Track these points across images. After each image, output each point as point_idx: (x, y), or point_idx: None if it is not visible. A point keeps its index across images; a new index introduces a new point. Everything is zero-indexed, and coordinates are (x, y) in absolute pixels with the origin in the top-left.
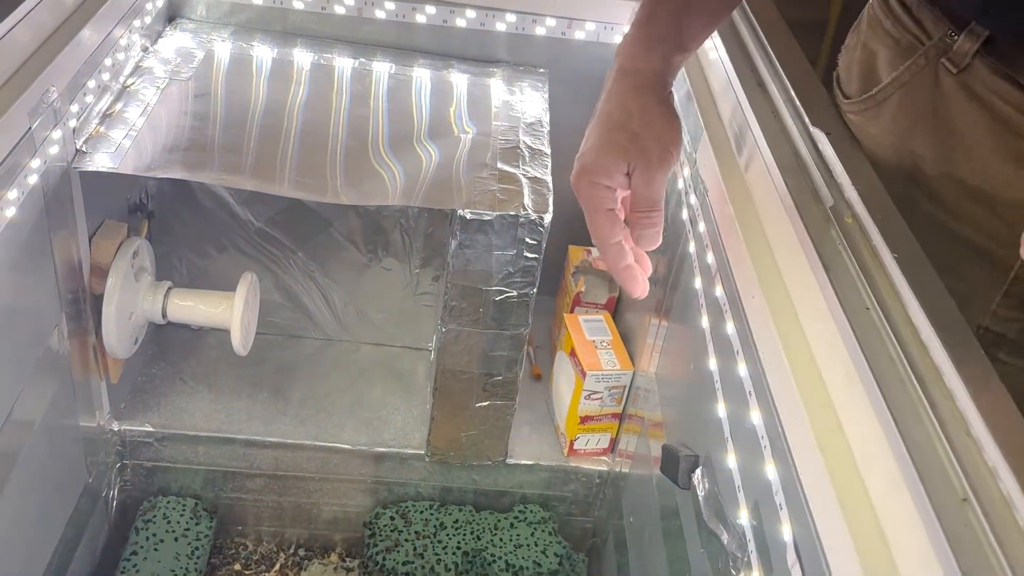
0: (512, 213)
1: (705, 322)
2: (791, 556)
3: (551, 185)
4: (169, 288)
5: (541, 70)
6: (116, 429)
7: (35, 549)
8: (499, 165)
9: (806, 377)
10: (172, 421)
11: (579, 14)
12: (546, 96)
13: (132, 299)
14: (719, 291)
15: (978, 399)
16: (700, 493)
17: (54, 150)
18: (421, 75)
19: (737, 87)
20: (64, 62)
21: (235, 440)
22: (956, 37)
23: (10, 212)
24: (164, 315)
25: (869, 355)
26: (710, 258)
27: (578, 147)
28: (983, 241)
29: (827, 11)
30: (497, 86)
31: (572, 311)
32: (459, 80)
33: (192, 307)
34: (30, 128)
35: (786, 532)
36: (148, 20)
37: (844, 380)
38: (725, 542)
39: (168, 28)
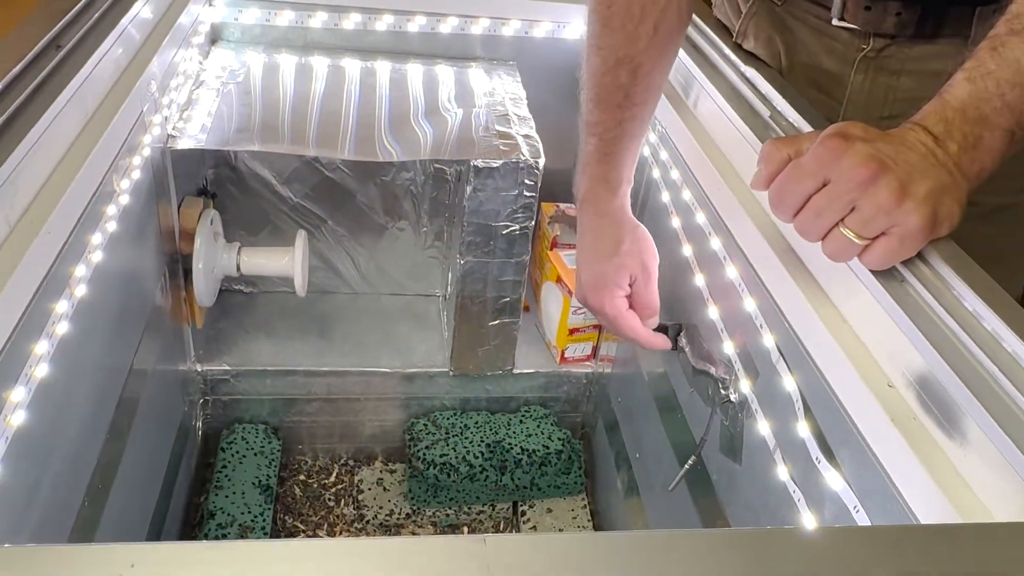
0: (514, 160)
1: (676, 222)
2: (775, 355)
3: (539, 140)
4: (240, 247)
5: (511, 62)
6: (200, 370)
7: (152, 473)
8: (496, 127)
9: (771, 231)
10: (243, 360)
11: (538, 16)
12: (518, 80)
13: (213, 256)
14: (686, 195)
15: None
16: (687, 348)
17: (157, 131)
18: (415, 71)
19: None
20: (154, 65)
21: (295, 372)
22: None
23: (129, 184)
24: (238, 269)
25: None
26: (675, 175)
27: (544, 121)
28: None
29: None
30: (477, 75)
31: (551, 249)
32: (446, 73)
33: (260, 262)
34: (141, 112)
35: (768, 340)
36: (200, 41)
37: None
38: (714, 372)
39: (213, 48)
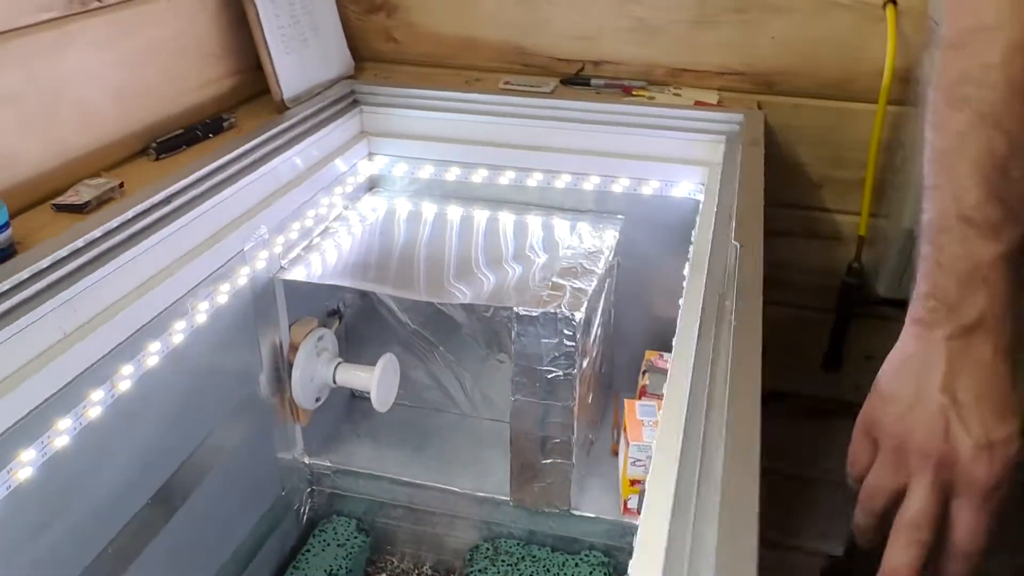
0: (552, 311)
1: None
2: None
3: (589, 293)
4: (339, 363)
5: (619, 216)
6: (307, 462)
7: (232, 533)
8: (554, 279)
9: None
10: (344, 460)
11: (646, 175)
12: (616, 235)
13: (313, 368)
14: None
15: None
16: None
17: (261, 264)
18: (528, 220)
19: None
20: (277, 210)
21: (383, 477)
22: None
23: (223, 300)
24: (334, 380)
25: None
26: None
27: (647, 272)
28: None
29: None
30: (583, 227)
31: (639, 399)
32: (548, 223)
33: (348, 377)
34: (242, 249)
35: None
36: (350, 189)
37: None
38: None
39: (367, 194)
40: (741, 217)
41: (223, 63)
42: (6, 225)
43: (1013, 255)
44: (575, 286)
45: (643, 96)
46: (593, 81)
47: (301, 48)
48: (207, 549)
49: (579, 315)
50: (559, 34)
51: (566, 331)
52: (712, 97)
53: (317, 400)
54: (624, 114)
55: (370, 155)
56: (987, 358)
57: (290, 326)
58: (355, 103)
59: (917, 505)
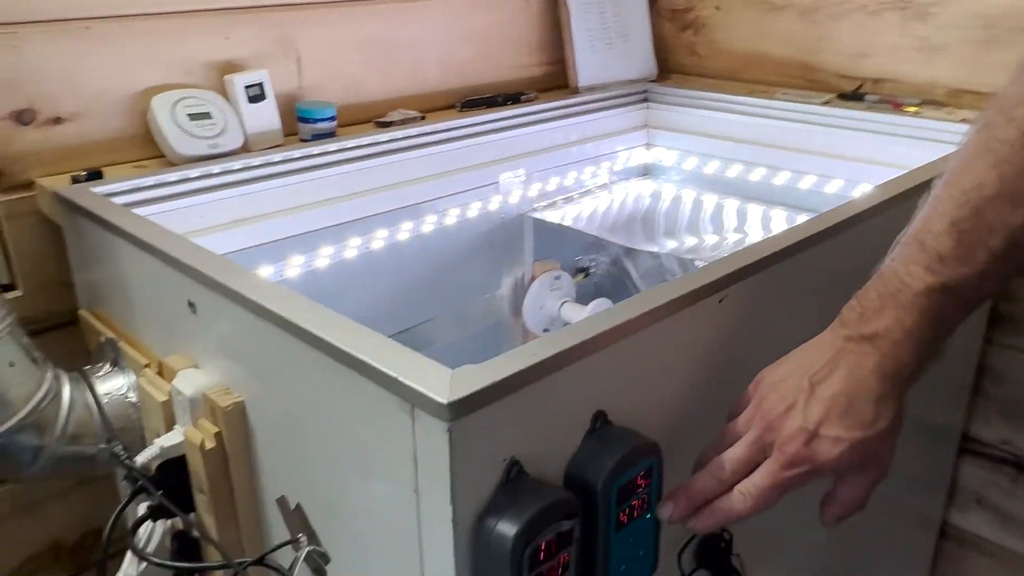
0: None
1: None
2: None
3: None
4: (566, 301)
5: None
6: None
7: None
8: None
9: None
10: None
11: None
12: None
13: (544, 298)
14: None
15: None
16: None
17: (514, 200)
18: (772, 214)
19: None
20: (540, 163)
21: None
22: None
23: (472, 215)
24: (559, 313)
25: None
26: None
27: None
28: None
29: None
30: None
31: None
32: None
33: (569, 311)
34: (498, 181)
35: None
36: (619, 167)
37: None
38: None
39: (636, 178)
40: None
41: (536, 54)
42: (333, 118)
43: (958, 294)
44: None
45: (911, 111)
46: (867, 97)
47: (605, 49)
48: None
49: None
50: (842, 51)
51: None
52: None
53: (545, 330)
54: (895, 124)
55: (648, 145)
56: (863, 370)
57: (534, 262)
58: (644, 100)
59: (735, 452)
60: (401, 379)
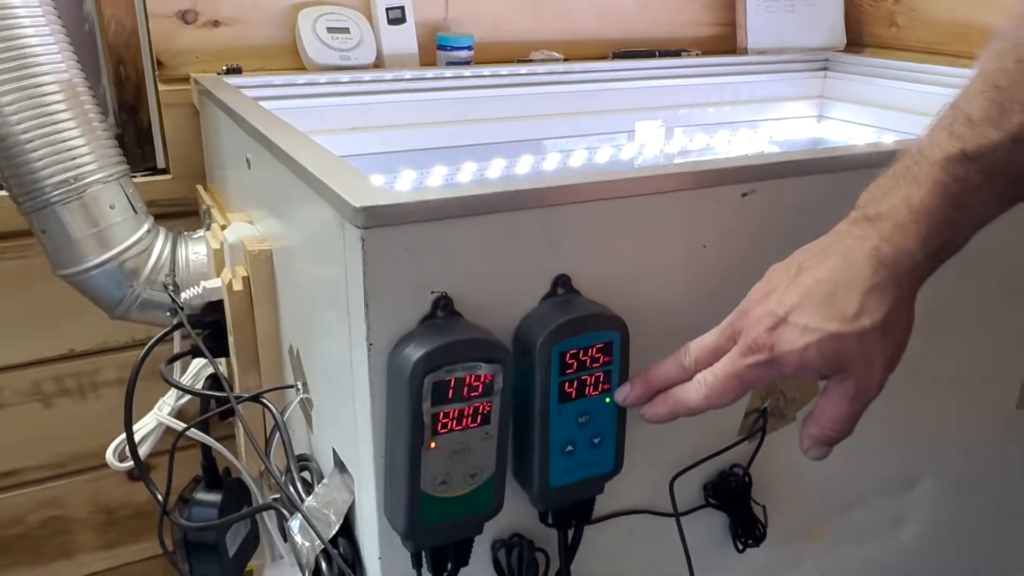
0: None
1: None
2: None
3: None
4: None
5: None
6: None
7: None
8: None
9: None
10: None
11: None
12: None
13: None
14: None
15: None
16: None
17: (650, 152)
18: None
19: None
20: (691, 118)
21: None
22: None
23: (603, 159)
24: None
25: None
26: None
27: None
28: None
29: None
30: None
31: None
32: None
33: None
34: (632, 129)
35: None
36: (779, 136)
37: None
38: None
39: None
40: None
41: (705, 11)
42: (470, 47)
43: (981, 165)
44: None
45: None
46: None
47: (783, 12)
48: None
49: None
50: None
51: None
52: None
53: None
54: None
55: (819, 117)
56: (857, 255)
57: None
58: (824, 68)
59: (704, 338)
60: (330, 184)
